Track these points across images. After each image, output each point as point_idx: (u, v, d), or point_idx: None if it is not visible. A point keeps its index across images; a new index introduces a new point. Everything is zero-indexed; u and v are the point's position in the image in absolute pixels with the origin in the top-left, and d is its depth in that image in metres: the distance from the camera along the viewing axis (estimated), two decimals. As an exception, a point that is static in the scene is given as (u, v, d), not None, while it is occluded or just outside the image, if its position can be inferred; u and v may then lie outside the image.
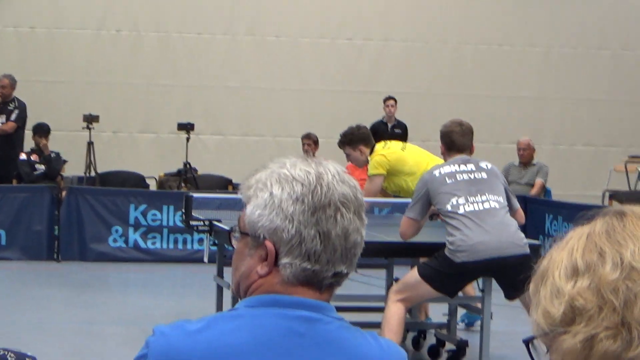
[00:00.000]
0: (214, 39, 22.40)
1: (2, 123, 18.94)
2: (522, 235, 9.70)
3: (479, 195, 9.47)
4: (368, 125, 17.74)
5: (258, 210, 2.78)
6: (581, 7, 23.03)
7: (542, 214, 18.55)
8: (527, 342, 2.01)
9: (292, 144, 20.44)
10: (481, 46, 22.97)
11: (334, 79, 22.43)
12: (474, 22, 22.89)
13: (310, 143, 20.01)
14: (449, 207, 9.42)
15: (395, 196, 12.51)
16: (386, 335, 8.81)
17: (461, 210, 9.40)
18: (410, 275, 9.80)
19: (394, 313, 9.51)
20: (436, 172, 9.71)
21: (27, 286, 15.31)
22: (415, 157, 12.00)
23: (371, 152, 12.01)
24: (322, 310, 2.79)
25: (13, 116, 18.90)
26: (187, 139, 19.74)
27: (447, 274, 9.35)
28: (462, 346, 10.87)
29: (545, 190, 19.78)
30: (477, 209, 9.41)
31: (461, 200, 9.42)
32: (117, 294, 15.57)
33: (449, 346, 11.21)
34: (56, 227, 17.73)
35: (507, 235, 9.45)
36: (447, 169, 9.71)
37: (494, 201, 9.50)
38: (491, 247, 9.32)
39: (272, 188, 2.77)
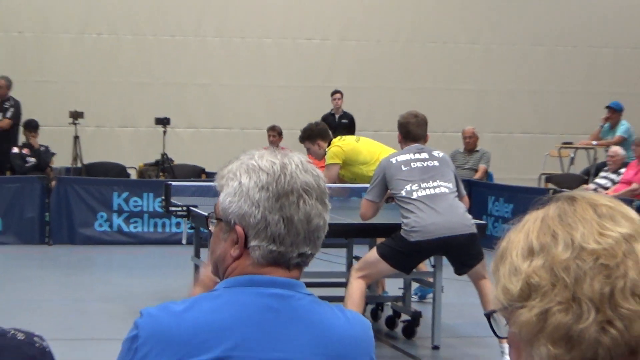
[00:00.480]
0: (186, 41, 22.33)
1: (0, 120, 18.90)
2: (470, 216, 9.79)
3: (431, 182, 9.53)
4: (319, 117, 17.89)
5: (229, 198, 2.82)
6: (517, 8, 23.05)
7: (485, 196, 18.57)
8: (488, 316, 2.04)
9: (258, 136, 20.39)
10: (428, 44, 22.96)
11: (295, 76, 22.39)
12: (422, 22, 22.89)
13: (275, 135, 19.96)
14: (403, 193, 9.48)
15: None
16: (349, 308, 8.85)
17: (414, 196, 9.46)
18: (370, 254, 9.83)
19: (356, 288, 9.54)
20: (393, 160, 9.75)
21: (21, 268, 15.23)
22: (368, 148, 12.00)
23: (329, 144, 12.05)
24: (294, 288, 2.81)
25: (9, 114, 18.83)
26: (164, 132, 19.66)
27: (403, 252, 9.40)
28: (416, 317, 10.89)
29: (487, 174, 19.78)
30: (429, 193, 9.47)
31: (414, 187, 9.47)
32: (103, 274, 15.52)
33: (404, 317, 11.21)
34: (47, 214, 17.69)
35: (456, 216, 9.51)
36: (403, 157, 9.75)
37: (445, 187, 9.56)
38: (442, 227, 9.36)
39: (241, 177, 2.81)
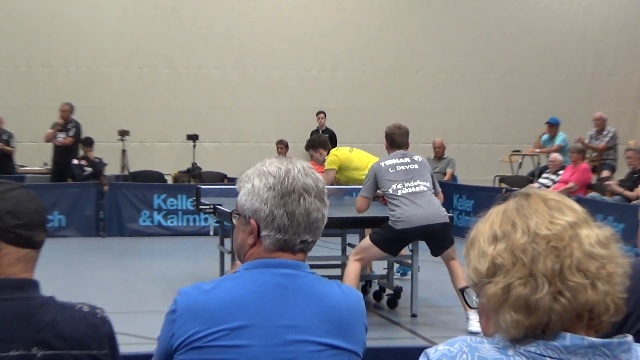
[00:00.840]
0: (210, 73, 22.27)
1: (64, 138, 18.90)
2: (444, 209, 9.84)
3: (412, 181, 9.61)
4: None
5: (244, 197, 2.90)
6: (474, 43, 23.03)
7: (451, 194, 18.52)
8: (462, 290, 2.04)
9: (269, 148, 20.39)
10: (404, 73, 22.90)
11: (298, 99, 22.33)
12: (399, 55, 22.84)
13: (282, 147, 20.02)
14: (390, 191, 9.56)
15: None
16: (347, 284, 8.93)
17: (399, 193, 9.54)
18: (364, 241, 9.89)
19: (353, 269, 9.61)
20: (382, 164, 9.82)
21: (81, 255, 15.26)
22: (359, 157, 12.02)
23: (328, 153, 12.12)
24: (299, 268, 2.87)
25: (71, 133, 18.87)
26: (194, 146, 19.66)
27: (391, 238, 9.48)
28: (397, 291, 10.93)
29: (453, 177, 19.80)
30: (411, 191, 9.55)
31: (399, 186, 9.55)
32: (146, 260, 15.54)
33: (388, 291, 11.22)
34: (101, 212, 17.74)
35: (433, 209, 9.60)
36: (390, 161, 9.80)
37: (423, 185, 9.63)
38: (422, 218, 9.47)
39: (254, 180, 2.89)
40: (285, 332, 2.78)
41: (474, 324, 9.24)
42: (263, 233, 2.86)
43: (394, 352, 5.79)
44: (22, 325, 2.72)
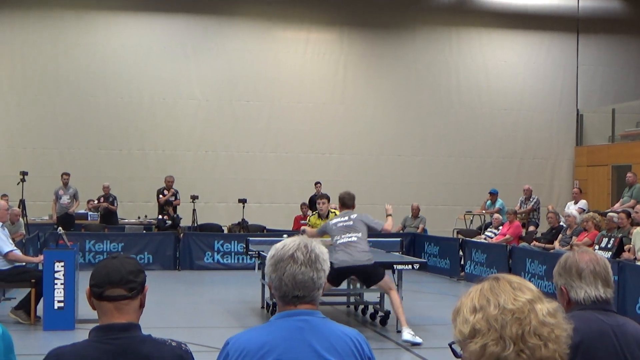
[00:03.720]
0: (255, 154, 22.36)
1: (173, 200, 19.00)
2: (369, 254, 9.83)
3: (347, 234, 9.65)
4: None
5: (266, 265, 2.83)
6: (440, 135, 23.12)
7: (423, 242, 18.49)
8: (450, 345, 1.99)
9: (295, 207, 20.46)
10: (390, 156, 22.99)
11: (317, 175, 22.35)
12: (386, 144, 22.94)
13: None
14: (334, 240, 9.72)
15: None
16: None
17: (337, 242, 9.66)
18: None
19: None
20: (331, 223, 9.96)
21: (163, 283, 15.09)
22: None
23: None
24: (312, 314, 2.78)
25: (178, 196, 19.10)
26: (243, 206, 19.70)
27: (333, 274, 9.23)
28: (387, 313, 10.78)
29: (424, 230, 19.73)
30: (345, 241, 9.62)
31: (338, 237, 9.66)
32: (209, 287, 15.43)
33: (380, 313, 11.08)
34: (177, 252, 17.65)
35: (359, 255, 9.61)
36: (336, 220, 9.97)
37: (355, 236, 9.64)
38: (351, 260, 9.56)
39: (270, 253, 2.81)
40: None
41: (406, 335, 9.30)
42: (273, 291, 2.79)
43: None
44: (127, 357, 2.71)
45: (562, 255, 3.27)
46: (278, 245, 2.81)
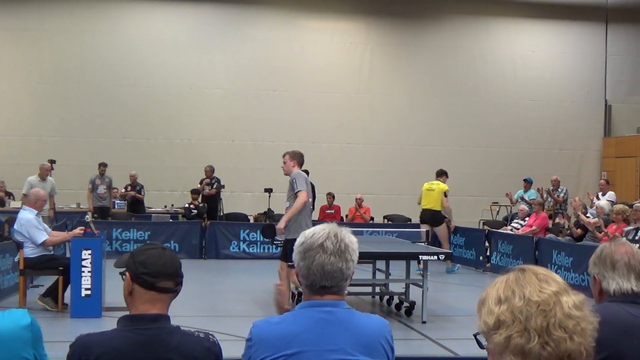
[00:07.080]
0: (281, 144, 21.96)
1: (210, 189, 19.19)
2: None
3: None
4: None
5: (294, 251, 2.80)
6: (467, 126, 22.98)
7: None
8: (475, 336, 1.98)
9: (322, 197, 20.44)
10: (417, 146, 22.89)
11: (342, 164, 22.31)
12: (414, 134, 22.86)
13: (331, 198, 19.97)
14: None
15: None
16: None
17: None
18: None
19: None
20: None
21: (188, 272, 15.01)
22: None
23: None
24: (337, 305, 2.75)
25: (215, 186, 19.22)
26: (269, 196, 19.69)
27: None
28: (412, 304, 10.70)
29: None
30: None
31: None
32: (235, 275, 15.46)
33: (406, 304, 10.98)
34: (203, 241, 17.71)
35: None
36: None
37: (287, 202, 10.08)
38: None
39: (299, 240, 2.78)
40: (329, 354, 2.67)
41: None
42: (300, 280, 2.76)
43: None
44: (155, 348, 2.73)
45: (597, 247, 3.27)
46: (307, 233, 2.79)
